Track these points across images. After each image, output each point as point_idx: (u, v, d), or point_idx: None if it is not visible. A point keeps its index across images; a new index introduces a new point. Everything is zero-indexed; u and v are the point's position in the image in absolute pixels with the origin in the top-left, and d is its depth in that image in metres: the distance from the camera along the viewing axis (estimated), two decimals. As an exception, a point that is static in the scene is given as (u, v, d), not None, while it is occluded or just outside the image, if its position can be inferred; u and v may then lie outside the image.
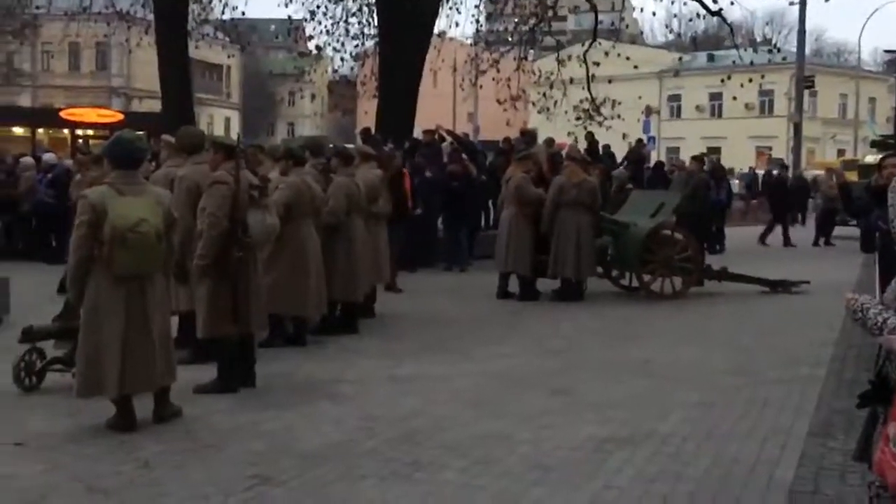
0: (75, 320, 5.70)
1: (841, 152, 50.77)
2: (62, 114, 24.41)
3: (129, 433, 5.42)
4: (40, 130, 23.66)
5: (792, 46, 38.51)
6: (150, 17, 17.96)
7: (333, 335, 8.45)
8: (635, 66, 21.22)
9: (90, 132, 22.57)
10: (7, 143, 21.89)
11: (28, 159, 15.43)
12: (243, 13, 20.67)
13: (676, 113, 58.20)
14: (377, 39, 18.27)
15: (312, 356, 7.72)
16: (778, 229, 19.45)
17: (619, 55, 18.95)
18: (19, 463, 4.91)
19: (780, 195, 20.22)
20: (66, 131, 23.34)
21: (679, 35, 44.49)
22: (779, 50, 22.98)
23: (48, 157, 15.47)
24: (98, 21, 20.59)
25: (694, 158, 16.96)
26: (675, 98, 57.61)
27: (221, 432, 5.52)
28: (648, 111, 37.56)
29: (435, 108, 30.95)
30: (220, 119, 56.96)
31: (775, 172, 23.08)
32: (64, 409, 5.86)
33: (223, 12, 20.25)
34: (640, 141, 21.11)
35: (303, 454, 5.11)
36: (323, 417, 5.88)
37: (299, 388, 6.64)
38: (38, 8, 22.02)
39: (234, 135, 10.10)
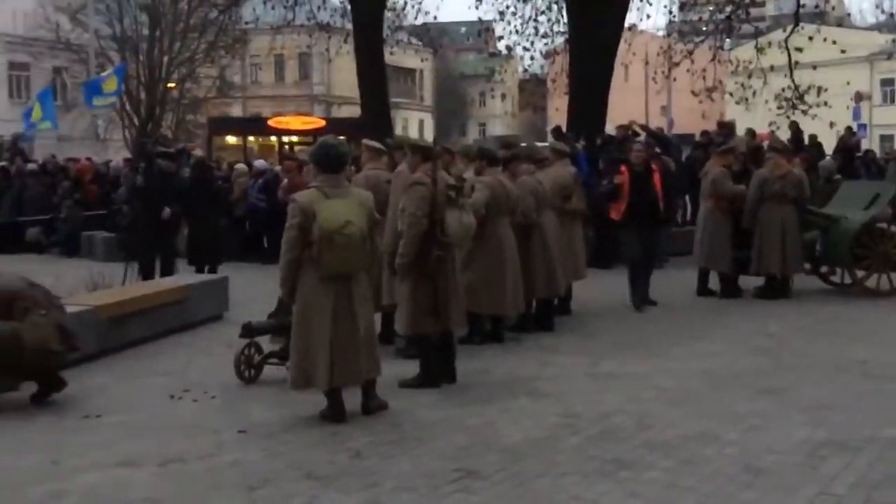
0: (289, 317, 6.04)
1: None
2: (270, 122, 25.85)
3: (340, 424, 5.68)
4: (251, 139, 25.20)
5: None
6: (349, 26, 18.70)
7: (530, 332, 8.49)
8: (843, 51, 20.00)
9: (295, 139, 23.79)
10: (222, 151, 23.50)
11: (241, 166, 16.47)
12: (435, 17, 21.14)
13: (890, 98, 54.23)
14: (567, 36, 18.16)
15: (510, 353, 7.80)
16: None
17: (824, 39, 17.90)
18: (243, 450, 5.25)
19: None
20: (273, 138, 24.71)
21: (892, 15, 41.45)
22: None
23: (259, 163, 16.44)
24: (301, 33, 21.66)
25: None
26: (888, 83, 53.63)
27: (426, 426, 5.68)
28: (858, 97, 35.41)
29: (627, 103, 30.45)
30: (414, 122, 58.41)
31: None
32: (280, 400, 6.21)
33: (416, 17, 20.80)
34: (849, 129, 19.90)
35: (505, 449, 5.17)
36: (523, 413, 5.93)
37: (499, 385, 6.72)
38: (247, 23, 23.38)
39: (428, 137, 10.33)
